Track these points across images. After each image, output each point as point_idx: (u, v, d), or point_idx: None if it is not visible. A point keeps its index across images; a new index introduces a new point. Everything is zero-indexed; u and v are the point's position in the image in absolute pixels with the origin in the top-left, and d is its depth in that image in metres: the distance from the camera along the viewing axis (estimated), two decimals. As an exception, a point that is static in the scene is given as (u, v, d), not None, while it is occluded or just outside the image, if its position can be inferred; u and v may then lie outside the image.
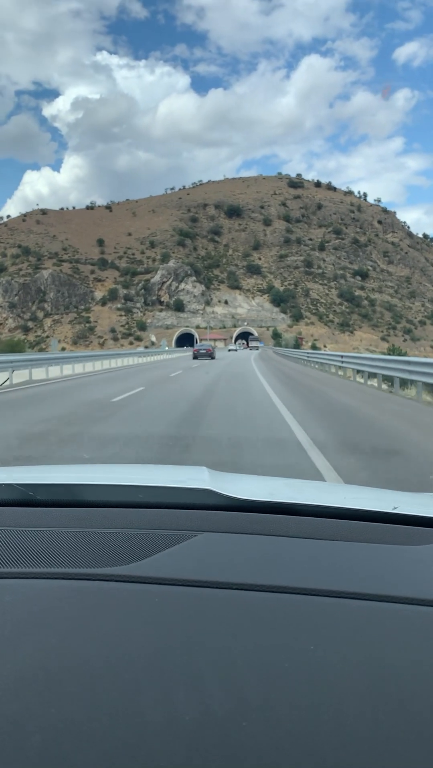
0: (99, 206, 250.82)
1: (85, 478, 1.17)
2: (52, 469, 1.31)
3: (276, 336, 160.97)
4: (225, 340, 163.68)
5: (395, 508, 0.94)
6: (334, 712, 0.51)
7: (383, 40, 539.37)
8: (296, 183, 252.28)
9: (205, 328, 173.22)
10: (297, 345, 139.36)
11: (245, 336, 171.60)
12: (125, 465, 1.01)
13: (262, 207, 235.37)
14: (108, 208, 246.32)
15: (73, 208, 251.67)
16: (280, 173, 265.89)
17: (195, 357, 44.93)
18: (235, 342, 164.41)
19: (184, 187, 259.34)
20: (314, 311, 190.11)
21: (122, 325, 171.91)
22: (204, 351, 46.89)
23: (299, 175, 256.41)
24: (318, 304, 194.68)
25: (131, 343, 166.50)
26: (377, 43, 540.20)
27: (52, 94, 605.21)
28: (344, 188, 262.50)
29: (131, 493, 1.06)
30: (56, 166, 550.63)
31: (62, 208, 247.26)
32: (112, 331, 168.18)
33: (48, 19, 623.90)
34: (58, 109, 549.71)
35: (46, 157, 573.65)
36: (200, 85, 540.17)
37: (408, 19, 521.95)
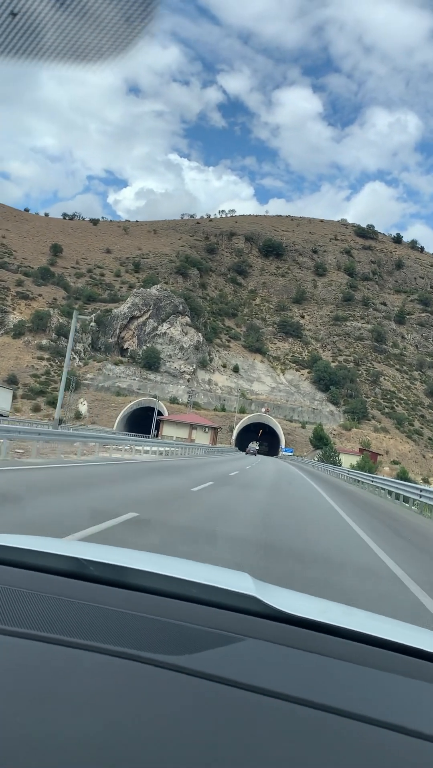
0: (82, 219, 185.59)
1: (143, 564, 1.21)
2: (111, 550, 1.36)
3: (320, 440, 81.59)
4: (216, 430, 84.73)
5: None
6: None
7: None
8: (367, 233, 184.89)
9: (186, 404, 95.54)
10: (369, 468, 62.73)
11: (256, 434, 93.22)
12: (172, 557, 1.11)
13: (315, 251, 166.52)
14: (93, 222, 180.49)
15: (46, 215, 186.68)
16: (345, 219, 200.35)
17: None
18: (237, 440, 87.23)
19: (208, 216, 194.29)
20: (387, 410, 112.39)
21: (36, 375, 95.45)
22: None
23: (370, 225, 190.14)
24: (394, 400, 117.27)
25: (37, 410, 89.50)
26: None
27: (121, 183, 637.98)
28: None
29: (183, 587, 1.09)
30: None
31: (26, 209, 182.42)
32: (11, 381, 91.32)
33: (132, 115, 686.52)
34: (124, 196, 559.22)
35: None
36: (263, 196, 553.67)
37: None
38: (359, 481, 33.06)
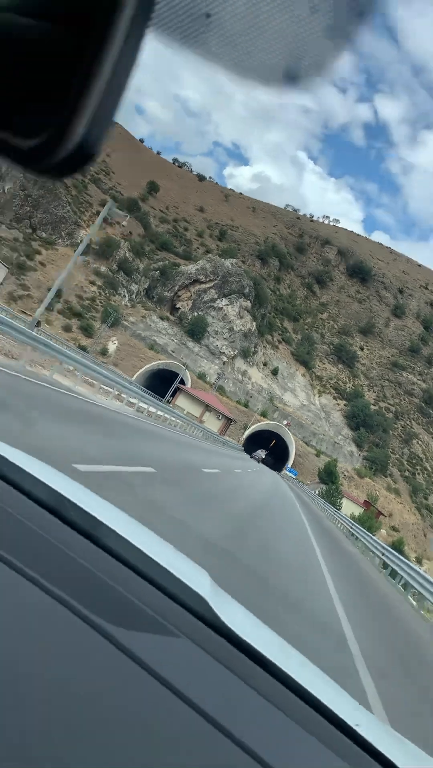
0: (190, 171, 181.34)
1: (118, 525, 1.17)
2: (93, 498, 1.32)
3: (329, 476, 76.37)
4: (230, 422, 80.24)
5: (357, 725, 0.95)
6: None
7: None
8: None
9: (211, 385, 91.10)
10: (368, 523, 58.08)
11: (268, 442, 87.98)
12: (147, 530, 1.08)
13: (400, 291, 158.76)
14: (200, 177, 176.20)
15: (158, 153, 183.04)
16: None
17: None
18: (247, 441, 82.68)
19: (311, 216, 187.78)
20: (407, 473, 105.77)
21: (81, 297, 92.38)
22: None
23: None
24: (419, 467, 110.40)
25: (68, 330, 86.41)
26: None
27: (243, 161, 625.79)
28: None
29: (144, 562, 1.08)
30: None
31: (142, 140, 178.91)
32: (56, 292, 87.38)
33: (280, 100, 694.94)
34: (240, 174, 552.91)
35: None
36: (370, 225, 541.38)
37: None
38: (355, 536, 28.49)
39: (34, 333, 16.43)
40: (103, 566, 1.01)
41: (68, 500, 1.13)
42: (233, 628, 1.01)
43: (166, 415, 24.26)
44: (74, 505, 1.13)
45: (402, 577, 16.85)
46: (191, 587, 1.07)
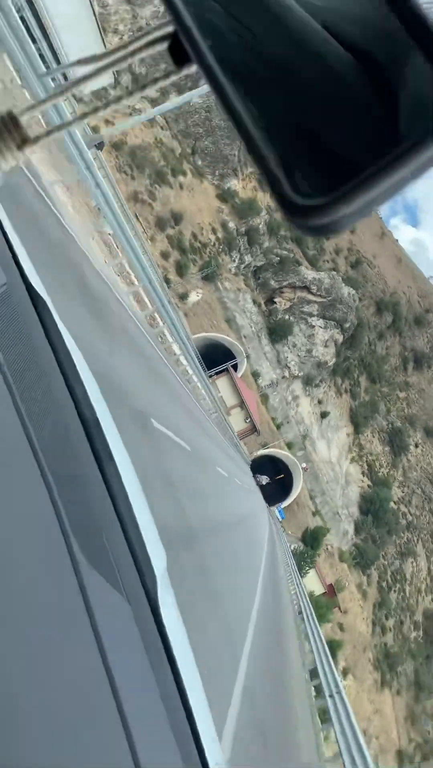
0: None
1: (125, 472, 1.14)
2: (118, 438, 1.25)
3: (313, 541, 70.32)
4: (255, 431, 74.74)
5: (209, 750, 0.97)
6: None
7: None
8: None
9: (260, 388, 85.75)
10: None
11: (276, 474, 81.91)
12: (140, 487, 1.10)
13: None
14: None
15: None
16: None
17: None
18: (256, 459, 76.97)
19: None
20: (384, 585, 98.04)
21: (195, 237, 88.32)
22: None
23: None
24: (397, 586, 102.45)
25: (166, 257, 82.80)
26: None
27: (413, 221, 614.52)
28: None
29: (131, 522, 1.07)
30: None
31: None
32: (177, 218, 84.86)
33: None
34: (403, 232, 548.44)
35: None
36: None
37: None
38: (302, 618, 23.27)
39: (80, 135, 11.43)
40: (98, 503, 1.02)
41: (102, 431, 1.13)
42: (163, 615, 1.02)
43: (183, 360, 18.64)
44: (104, 437, 1.13)
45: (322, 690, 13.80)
46: (152, 563, 1.08)
